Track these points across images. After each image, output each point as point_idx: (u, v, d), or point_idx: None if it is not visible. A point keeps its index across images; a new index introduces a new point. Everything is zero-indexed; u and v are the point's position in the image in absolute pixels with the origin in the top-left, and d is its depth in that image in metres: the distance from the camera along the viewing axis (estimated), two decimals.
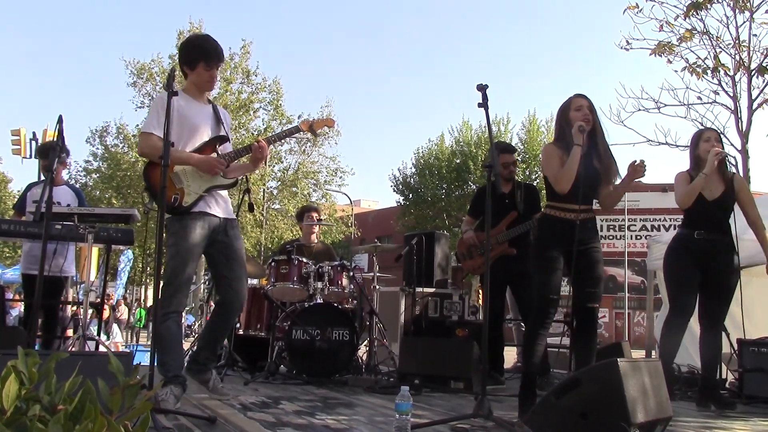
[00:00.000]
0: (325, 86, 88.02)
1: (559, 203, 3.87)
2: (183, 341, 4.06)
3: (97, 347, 5.04)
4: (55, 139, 3.77)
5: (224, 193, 3.93)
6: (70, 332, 6.28)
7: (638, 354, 8.23)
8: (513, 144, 24.78)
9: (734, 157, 5.04)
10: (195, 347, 4.31)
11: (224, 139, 3.88)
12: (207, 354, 3.92)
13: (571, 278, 3.85)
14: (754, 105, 9.58)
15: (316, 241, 6.61)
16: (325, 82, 77.72)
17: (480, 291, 5.79)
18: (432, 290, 6.53)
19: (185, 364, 3.86)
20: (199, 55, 3.80)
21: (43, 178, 5.91)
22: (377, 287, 6.06)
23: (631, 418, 2.70)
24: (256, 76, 24.81)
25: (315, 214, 6.60)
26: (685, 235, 4.73)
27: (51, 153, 3.68)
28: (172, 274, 3.69)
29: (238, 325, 5.97)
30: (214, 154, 3.80)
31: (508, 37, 79.11)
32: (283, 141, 21.47)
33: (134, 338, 22.65)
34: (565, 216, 3.85)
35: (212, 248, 3.83)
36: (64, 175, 6.23)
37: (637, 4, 9.77)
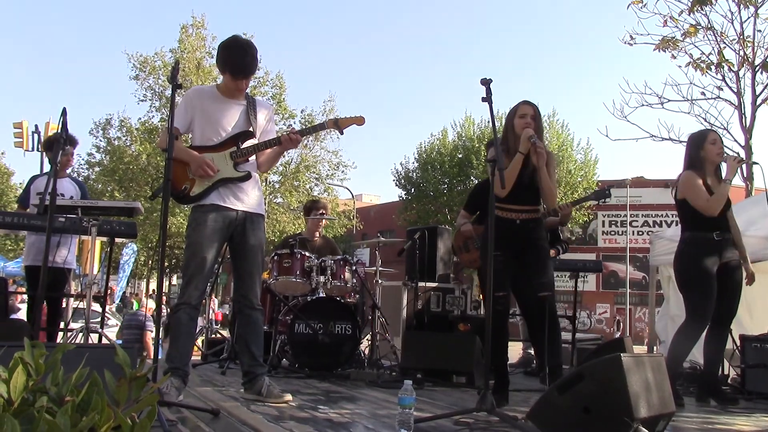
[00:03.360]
0: (328, 80, 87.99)
1: (501, 204, 4.09)
2: (193, 335, 4.03)
3: (100, 339, 5.05)
4: (59, 131, 3.76)
5: (251, 186, 3.88)
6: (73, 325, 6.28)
7: (639, 349, 8.24)
8: None
9: (737, 153, 5.00)
10: (239, 362, 4.23)
11: (248, 135, 3.86)
12: (248, 360, 3.85)
13: (518, 276, 4.11)
14: (758, 101, 9.58)
15: (318, 236, 6.61)
16: (328, 76, 77.67)
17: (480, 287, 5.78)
18: (434, 285, 6.53)
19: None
20: (226, 65, 3.82)
21: (46, 170, 5.91)
22: (379, 281, 6.06)
23: (634, 413, 2.70)
24: (258, 69, 24.75)
25: (322, 210, 6.60)
26: (703, 237, 4.57)
27: (55, 145, 3.67)
28: (183, 266, 3.78)
29: None
30: (234, 148, 3.80)
31: (512, 31, 78.99)
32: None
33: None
34: (507, 216, 4.11)
35: (231, 242, 3.87)
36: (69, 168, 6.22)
37: None
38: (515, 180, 4.06)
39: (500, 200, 4.07)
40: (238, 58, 3.80)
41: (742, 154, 9.11)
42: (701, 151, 4.63)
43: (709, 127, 9.78)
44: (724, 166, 4.60)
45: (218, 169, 3.76)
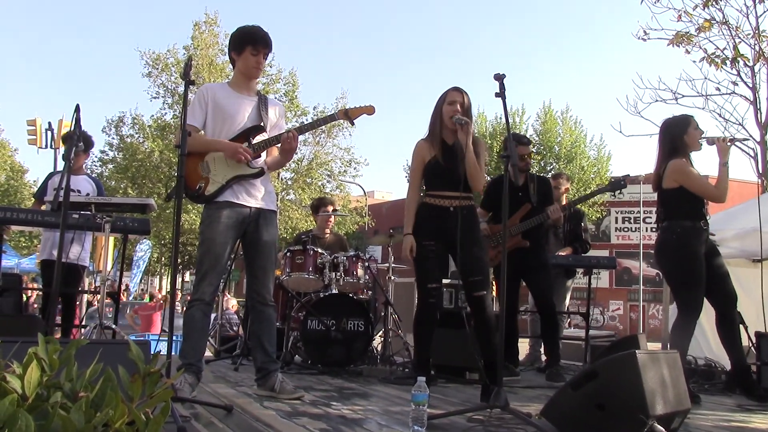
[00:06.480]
0: (340, 77, 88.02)
1: (434, 191, 4.14)
2: (207, 331, 4.04)
3: (113, 336, 5.07)
4: (72, 128, 3.78)
5: (262, 182, 3.90)
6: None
7: (653, 346, 8.18)
8: (528, 135, 24.67)
9: (753, 149, 4.97)
10: (252, 358, 4.21)
11: (259, 130, 3.87)
12: (261, 357, 3.85)
13: (458, 268, 4.06)
14: None
15: (329, 233, 6.62)
16: (341, 73, 77.61)
17: (494, 282, 5.74)
18: (447, 281, 6.50)
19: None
20: (247, 39, 3.87)
21: (60, 167, 5.95)
22: (392, 278, 6.04)
23: (649, 410, 2.68)
24: (270, 67, 24.80)
25: (331, 207, 6.61)
26: (696, 228, 4.51)
27: (68, 142, 3.69)
28: (197, 262, 3.80)
29: None
30: (246, 144, 3.81)
31: (524, 26, 78.60)
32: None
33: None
34: (440, 203, 4.10)
35: (244, 239, 3.88)
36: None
37: None
38: (448, 166, 4.06)
39: (433, 187, 4.15)
40: (256, 30, 3.88)
41: (758, 149, 9.03)
42: (685, 136, 4.58)
43: (725, 123, 9.72)
44: (706, 148, 4.60)
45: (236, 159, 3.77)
